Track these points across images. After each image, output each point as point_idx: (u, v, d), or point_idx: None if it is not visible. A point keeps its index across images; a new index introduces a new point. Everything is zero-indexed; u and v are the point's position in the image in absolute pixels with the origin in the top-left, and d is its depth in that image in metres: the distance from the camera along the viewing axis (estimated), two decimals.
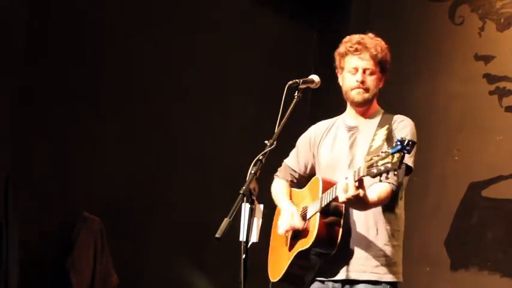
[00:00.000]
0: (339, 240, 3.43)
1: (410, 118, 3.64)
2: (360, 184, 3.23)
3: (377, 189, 3.41)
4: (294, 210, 3.63)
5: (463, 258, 5.78)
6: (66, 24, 5.13)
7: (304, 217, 3.59)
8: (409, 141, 3.00)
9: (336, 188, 3.36)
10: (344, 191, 3.24)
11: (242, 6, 6.16)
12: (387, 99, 3.83)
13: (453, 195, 5.88)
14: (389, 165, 3.02)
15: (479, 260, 5.70)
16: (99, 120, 5.28)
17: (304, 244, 3.50)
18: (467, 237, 5.81)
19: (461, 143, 5.90)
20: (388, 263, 3.52)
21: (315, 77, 3.62)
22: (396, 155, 3.01)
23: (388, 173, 3.04)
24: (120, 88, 5.41)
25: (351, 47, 3.64)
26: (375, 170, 3.08)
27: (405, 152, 3.01)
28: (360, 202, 3.28)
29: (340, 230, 3.44)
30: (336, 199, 3.36)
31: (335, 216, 3.46)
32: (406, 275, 3.59)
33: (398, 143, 3.01)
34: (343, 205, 3.44)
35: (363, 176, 3.16)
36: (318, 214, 3.46)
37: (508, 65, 5.84)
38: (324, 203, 3.44)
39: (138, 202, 5.42)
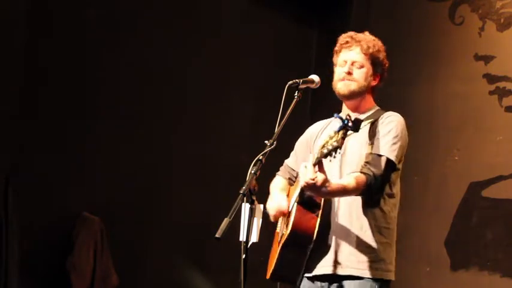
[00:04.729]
0: (315, 231, 3.40)
1: (410, 118, 3.63)
2: (320, 168, 3.23)
3: (349, 177, 3.40)
4: (282, 196, 3.64)
5: (463, 258, 5.77)
6: (66, 26, 5.14)
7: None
8: (348, 117, 3.02)
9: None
10: (303, 175, 3.24)
11: (242, 6, 6.16)
12: (387, 99, 3.82)
13: (453, 195, 5.87)
14: (335, 143, 3.07)
15: (479, 260, 5.70)
16: (99, 120, 5.28)
17: (284, 237, 3.50)
18: (467, 237, 5.80)
19: (461, 143, 5.89)
20: (373, 259, 3.47)
21: (315, 77, 3.62)
22: (340, 133, 3.06)
23: (335, 151, 3.08)
24: (119, 88, 5.41)
25: (342, 42, 3.66)
26: (325, 150, 3.12)
27: (349, 128, 3.03)
28: (321, 187, 3.22)
29: (317, 221, 3.42)
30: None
31: (312, 208, 3.44)
32: (406, 275, 3.58)
33: (339, 119, 3.06)
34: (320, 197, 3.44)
35: (318, 157, 3.18)
36: (296, 205, 3.45)
37: (508, 65, 5.83)
38: (297, 193, 3.44)
39: (138, 202, 5.42)
